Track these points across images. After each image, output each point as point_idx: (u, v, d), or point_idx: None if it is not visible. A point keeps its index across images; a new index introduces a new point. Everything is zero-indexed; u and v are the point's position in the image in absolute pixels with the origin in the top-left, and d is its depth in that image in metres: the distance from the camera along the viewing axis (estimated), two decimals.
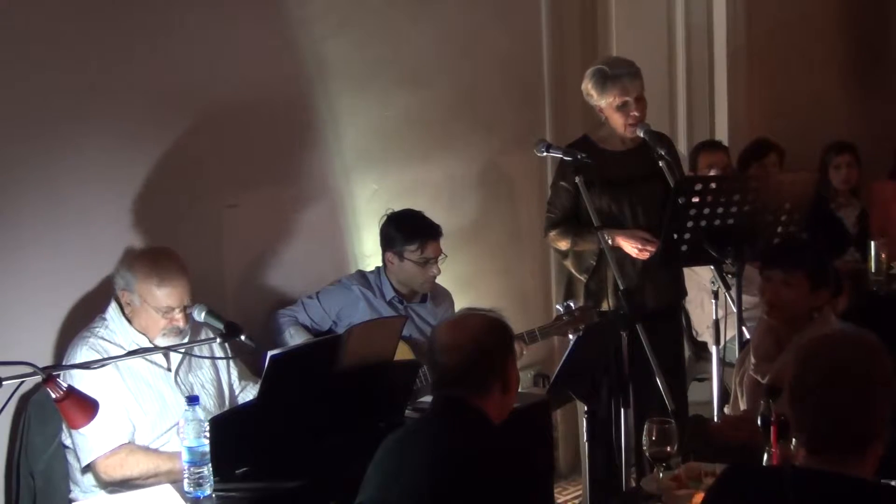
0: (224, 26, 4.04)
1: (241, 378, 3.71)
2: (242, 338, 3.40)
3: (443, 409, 2.67)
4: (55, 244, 3.62)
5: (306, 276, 4.30)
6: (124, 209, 3.80)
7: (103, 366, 3.22)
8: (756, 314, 3.95)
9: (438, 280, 4.20)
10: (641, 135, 4.26)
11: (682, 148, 5.65)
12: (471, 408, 2.61)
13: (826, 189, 5.76)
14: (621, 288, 3.87)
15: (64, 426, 3.39)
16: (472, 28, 4.85)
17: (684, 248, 3.86)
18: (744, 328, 3.89)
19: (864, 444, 2.13)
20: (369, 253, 4.48)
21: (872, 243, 5.35)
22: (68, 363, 3.36)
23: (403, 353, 3.80)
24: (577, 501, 4.89)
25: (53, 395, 2.83)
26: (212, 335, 3.52)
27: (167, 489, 3.07)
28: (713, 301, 4.11)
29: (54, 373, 2.88)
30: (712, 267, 4.06)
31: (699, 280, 4.79)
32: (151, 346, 3.43)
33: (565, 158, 4.05)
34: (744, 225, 3.83)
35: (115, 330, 3.46)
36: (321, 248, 4.42)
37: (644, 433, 2.93)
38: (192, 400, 3.06)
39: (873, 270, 5.30)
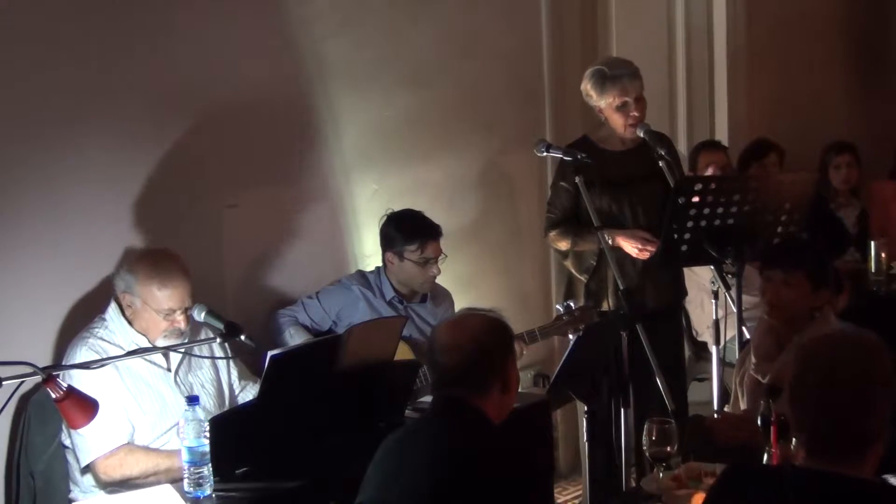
0: (224, 26, 4.04)
1: (241, 378, 3.71)
2: (242, 338, 3.40)
3: (443, 409, 2.67)
4: (55, 244, 3.62)
5: (306, 276, 4.30)
6: (124, 209, 3.80)
7: (103, 366, 3.22)
8: (756, 314, 3.95)
9: (438, 280, 4.20)
10: (641, 135, 4.26)
11: (682, 148, 5.65)
12: (471, 408, 2.61)
13: (826, 189, 5.76)
14: (621, 288, 3.87)
15: (64, 426, 3.39)
16: (472, 28, 4.85)
17: (684, 248, 3.86)
18: (744, 328, 3.89)
19: (864, 444, 2.13)
20: (369, 253, 4.48)
21: (872, 243, 5.35)
22: (68, 363, 3.36)
23: (403, 353, 3.80)
24: (577, 501, 4.89)
25: (53, 395, 2.83)
26: (212, 335, 3.52)
27: (167, 489, 3.07)
28: (713, 301, 4.11)
29: (54, 373, 2.88)
30: (712, 267, 4.06)
31: (699, 280, 4.79)
32: (151, 345, 3.43)
33: (565, 158, 4.05)
34: (744, 225, 3.83)
35: (114, 330, 3.46)
36: (321, 248, 4.42)
37: (644, 433, 2.93)
38: (192, 400, 3.06)
39: (873, 270, 5.30)
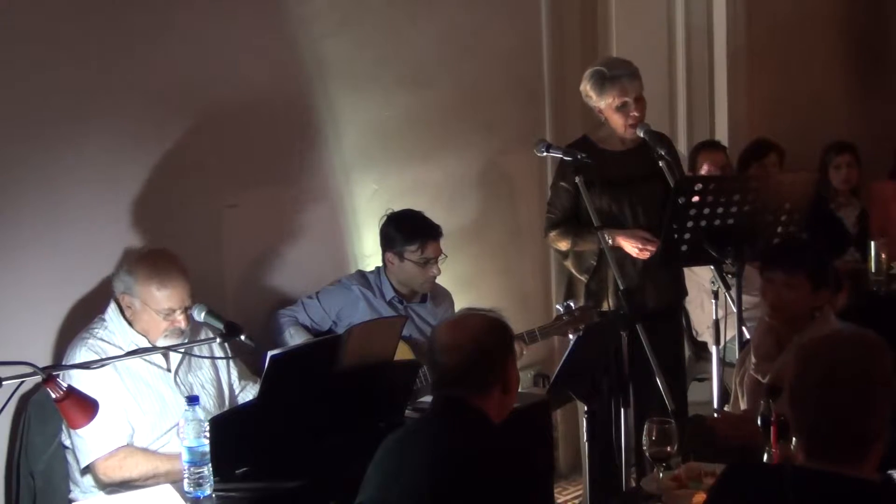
0: (224, 26, 4.04)
1: (240, 378, 3.71)
2: (242, 338, 3.40)
3: (443, 409, 2.67)
4: (55, 244, 3.62)
5: (306, 276, 4.30)
6: (124, 209, 3.80)
7: (103, 366, 3.22)
8: (756, 314, 3.95)
9: (438, 280, 4.20)
10: (641, 135, 4.26)
11: (682, 148, 5.65)
12: (471, 408, 2.61)
13: (826, 189, 5.76)
14: (621, 288, 3.87)
15: (64, 426, 3.39)
16: (472, 28, 4.85)
17: (684, 248, 3.85)
18: (744, 328, 3.89)
19: (864, 444, 2.12)
20: (369, 253, 4.48)
21: (872, 243, 5.35)
22: (67, 364, 3.36)
23: (403, 353, 3.80)
24: (577, 501, 4.89)
25: (53, 395, 2.83)
26: (212, 335, 3.51)
27: (167, 489, 3.07)
28: (713, 301, 4.11)
29: (54, 373, 2.88)
30: (712, 267, 4.06)
31: (699, 280, 4.79)
32: (151, 346, 3.43)
33: (565, 158, 4.05)
34: (744, 225, 3.83)
35: (114, 331, 3.46)
36: (321, 248, 4.42)
37: (644, 433, 2.93)
38: (192, 400, 3.06)
39: (873, 270, 5.30)
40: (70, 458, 3.45)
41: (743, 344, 3.85)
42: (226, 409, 3.57)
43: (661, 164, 4.21)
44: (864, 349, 2.17)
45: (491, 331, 2.69)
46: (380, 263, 4.23)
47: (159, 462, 3.35)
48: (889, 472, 2.22)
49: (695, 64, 6.02)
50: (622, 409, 3.40)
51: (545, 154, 4.15)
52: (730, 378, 3.94)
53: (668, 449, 2.90)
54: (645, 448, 2.94)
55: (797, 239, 3.93)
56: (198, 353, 3.58)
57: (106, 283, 3.59)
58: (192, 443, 3.01)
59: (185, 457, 3.02)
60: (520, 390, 2.99)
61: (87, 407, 2.89)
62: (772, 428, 2.78)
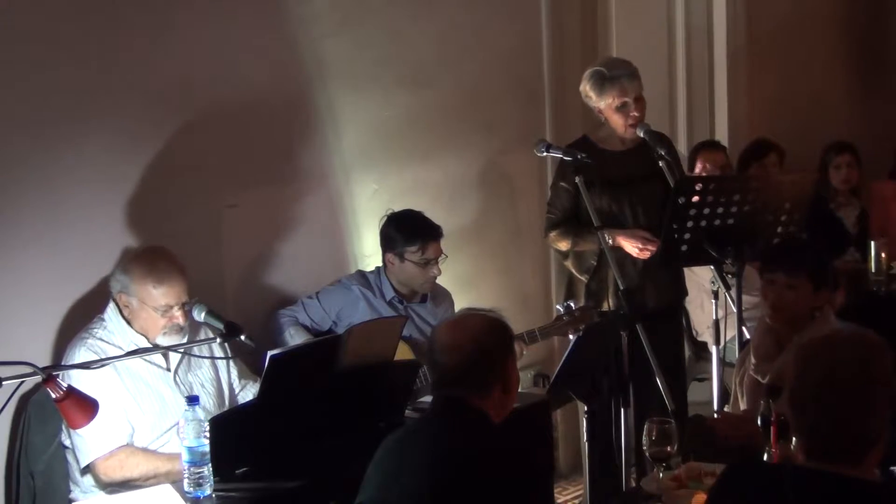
0: (224, 26, 4.04)
1: (240, 377, 3.71)
2: (242, 338, 3.40)
3: (443, 409, 2.67)
4: (55, 243, 3.62)
5: (306, 277, 4.30)
6: (124, 209, 3.80)
7: (103, 366, 3.22)
8: (756, 314, 3.95)
9: (438, 280, 4.20)
10: (641, 135, 4.26)
11: (682, 148, 5.65)
12: (471, 408, 2.61)
13: (826, 189, 5.76)
14: (621, 288, 3.87)
15: (64, 426, 3.39)
16: (472, 28, 4.85)
17: (684, 248, 3.85)
18: (744, 328, 3.89)
19: (864, 444, 2.12)
20: (369, 253, 4.48)
21: (872, 243, 5.34)
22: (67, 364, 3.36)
23: (403, 353, 3.80)
24: (577, 501, 4.89)
25: (53, 395, 2.83)
26: (211, 335, 3.52)
27: (167, 489, 3.07)
28: (713, 301, 4.11)
29: (54, 373, 2.88)
30: (712, 267, 4.06)
31: (699, 280, 4.79)
32: (150, 346, 3.43)
33: (565, 158, 4.05)
34: (744, 225, 3.83)
35: (113, 331, 3.46)
36: (321, 248, 4.42)
37: (644, 433, 2.93)
38: (193, 400, 3.06)
39: (873, 270, 5.30)
40: (70, 458, 3.45)
41: (743, 344, 3.85)
42: (225, 408, 3.57)
43: (661, 164, 4.21)
44: (864, 349, 2.17)
45: (491, 331, 2.69)
46: (380, 263, 4.23)
47: (160, 462, 3.35)
48: (892, 468, 2.22)
49: (695, 64, 6.02)
50: (622, 409, 3.40)
51: (545, 154, 4.15)
52: (730, 378, 3.94)
53: (668, 449, 2.90)
54: (645, 448, 2.94)
55: (797, 239, 3.93)
56: (198, 353, 3.58)
57: (106, 283, 3.59)
58: (192, 443, 3.01)
59: (185, 457, 3.02)
60: (520, 390, 2.99)
61: (87, 407, 2.89)
62: (772, 428, 2.77)
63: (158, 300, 3.41)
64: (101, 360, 3.22)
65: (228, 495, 3.06)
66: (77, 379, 3.20)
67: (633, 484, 3.43)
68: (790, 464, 2.24)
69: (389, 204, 4.37)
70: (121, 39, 3.76)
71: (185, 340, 3.51)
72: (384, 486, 2.59)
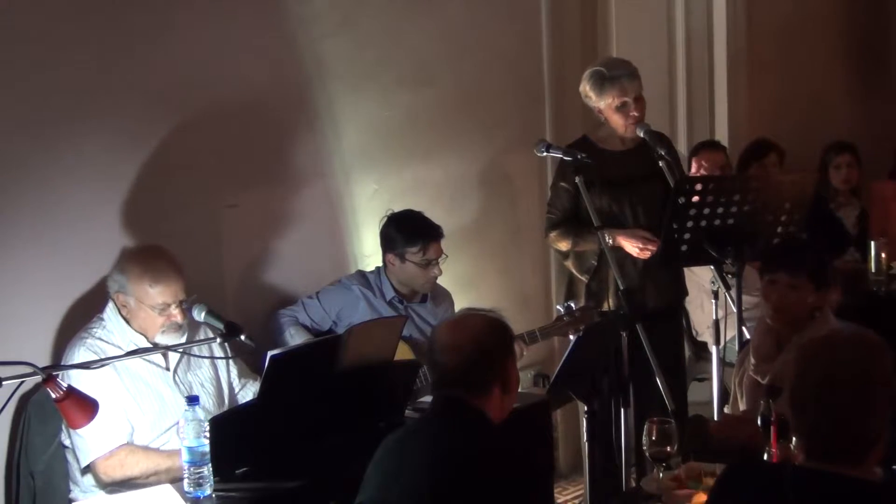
0: (224, 26, 4.04)
1: (240, 376, 3.71)
2: (242, 338, 3.40)
3: (443, 409, 2.67)
4: (54, 243, 3.62)
5: (306, 276, 4.30)
6: (124, 209, 3.80)
7: (103, 366, 3.22)
8: (756, 314, 3.95)
9: (439, 280, 4.20)
10: (641, 135, 4.26)
11: (682, 148, 5.65)
12: (471, 408, 2.61)
13: (826, 189, 5.76)
14: (621, 288, 3.87)
15: (64, 426, 3.39)
16: (472, 28, 4.85)
17: (684, 248, 3.86)
18: (744, 328, 3.89)
19: (864, 444, 2.12)
20: (369, 253, 4.48)
21: (872, 243, 5.35)
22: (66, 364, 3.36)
23: (403, 353, 3.80)
24: (577, 501, 4.89)
25: (53, 395, 2.83)
26: (211, 335, 3.52)
27: (167, 489, 3.07)
28: (713, 301, 4.11)
29: (54, 373, 2.88)
30: (712, 267, 4.06)
31: (699, 280, 4.79)
32: (150, 345, 3.43)
33: (565, 158, 4.05)
34: (744, 225, 3.83)
35: (112, 330, 3.46)
36: (321, 248, 4.42)
37: (644, 433, 2.93)
38: (192, 400, 3.06)
39: (873, 270, 5.30)
40: (70, 457, 3.45)
41: (742, 344, 3.85)
42: (225, 408, 3.58)
43: (661, 164, 4.21)
44: (864, 349, 2.17)
45: (491, 331, 2.69)
46: (380, 263, 4.23)
47: (160, 459, 3.35)
48: (895, 467, 2.22)
49: (695, 64, 6.02)
50: (622, 409, 3.40)
51: (545, 154, 4.15)
52: (730, 378, 3.94)
53: (668, 449, 2.90)
54: (645, 448, 2.94)
55: (798, 239, 3.93)
56: (197, 353, 3.58)
57: (105, 283, 3.59)
58: (192, 443, 3.01)
59: (185, 457, 3.02)
60: (520, 390, 2.99)
61: (86, 407, 2.89)
62: (772, 428, 2.77)
63: (155, 299, 3.41)
64: (101, 360, 3.22)
65: (228, 495, 3.06)
66: (77, 379, 3.20)
67: (633, 484, 3.43)
68: (790, 464, 2.24)
69: (389, 204, 4.37)
70: (120, 39, 3.76)
71: (184, 339, 3.51)
72: (384, 486, 2.59)
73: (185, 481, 3.02)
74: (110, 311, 3.48)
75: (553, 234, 4.41)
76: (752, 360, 3.54)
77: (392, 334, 3.50)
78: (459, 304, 4.36)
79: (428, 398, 3.37)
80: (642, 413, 3.32)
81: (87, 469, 3.37)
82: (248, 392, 3.69)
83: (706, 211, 3.79)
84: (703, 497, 2.72)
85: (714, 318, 4.10)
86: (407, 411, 3.55)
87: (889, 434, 2.14)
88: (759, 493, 2.18)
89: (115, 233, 3.76)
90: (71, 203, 3.66)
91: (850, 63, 6.92)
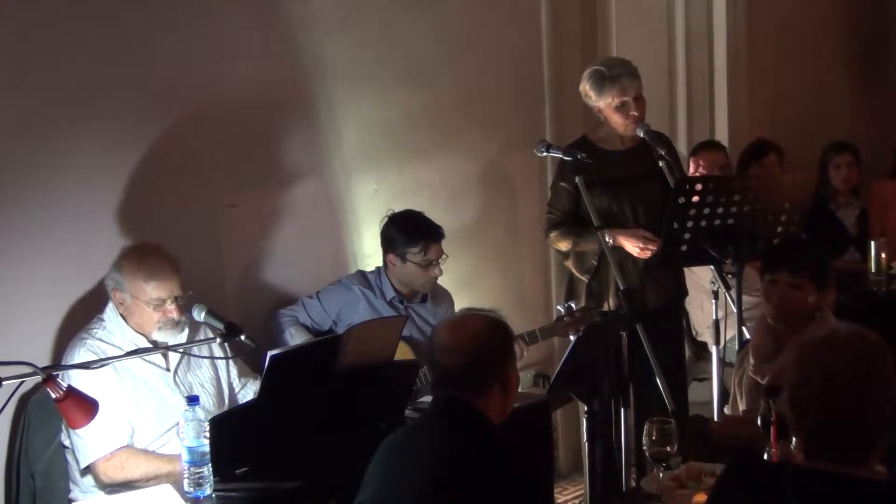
0: (224, 25, 4.04)
1: (241, 376, 3.71)
2: (242, 338, 3.40)
3: (443, 409, 2.67)
4: (54, 243, 3.62)
5: (306, 276, 4.30)
6: (123, 209, 3.80)
7: (103, 366, 3.22)
8: (756, 314, 3.95)
9: (439, 280, 4.20)
10: (641, 135, 4.26)
11: (682, 148, 5.66)
12: (471, 408, 2.61)
13: (826, 189, 5.76)
14: (622, 288, 3.87)
15: (64, 426, 3.39)
16: (472, 28, 4.85)
17: (684, 248, 3.86)
18: (744, 328, 3.89)
19: (864, 445, 2.12)
20: (369, 253, 4.48)
21: (872, 243, 5.34)
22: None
23: (403, 353, 3.80)
24: (577, 501, 4.89)
25: (53, 395, 2.83)
26: (212, 335, 3.52)
27: (167, 489, 3.07)
28: (713, 301, 4.11)
29: (54, 373, 2.88)
30: (712, 267, 4.06)
31: (699, 280, 4.79)
32: (150, 346, 3.44)
33: (565, 158, 4.06)
34: (744, 225, 3.83)
35: (112, 331, 3.46)
36: (321, 247, 4.42)
37: (644, 433, 2.93)
38: (193, 400, 3.06)
39: (873, 270, 5.30)
40: (70, 457, 3.45)
41: (742, 344, 3.85)
42: (225, 408, 3.58)
43: (661, 164, 4.21)
44: (864, 349, 2.17)
45: (491, 331, 2.69)
46: (380, 263, 4.23)
47: (161, 463, 3.35)
48: None
49: (695, 64, 6.02)
50: (622, 409, 3.40)
51: (545, 154, 4.15)
52: (730, 378, 3.94)
53: (668, 449, 2.90)
54: (645, 448, 2.94)
55: (798, 239, 3.93)
56: (197, 353, 3.58)
57: (104, 283, 3.59)
58: (192, 443, 3.01)
59: (185, 457, 3.02)
60: (520, 390, 2.99)
61: (87, 407, 2.89)
62: (772, 428, 2.77)
63: (150, 294, 3.41)
64: (101, 360, 3.22)
65: (228, 495, 3.06)
66: (77, 379, 3.20)
67: (633, 484, 3.43)
68: (790, 464, 2.24)
69: (389, 204, 4.37)
70: (120, 40, 3.76)
71: (182, 337, 3.51)
72: (384, 485, 2.60)
73: (185, 481, 3.02)
74: (110, 312, 3.48)
75: (553, 235, 4.41)
76: (752, 360, 3.53)
77: (392, 334, 3.50)
78: (459, 304, 4.36)
79: (428, 398, 3.37)
80: (642, 413, 3.32)
81: (87, 469, 3.37)
82: (248, 391, 3.69)
83: (706, 211, 3.79)
84: (703, 497, 2.72)
85: (714, 318, 4.10)
86: (407, 411, 3.55)
87: (889, 434, 2.14)
88: (759, 493, 2.18)
89: (114, 233, 3.76)
90: (71, 203, 3.66)
91: (850, 63, 6.92)
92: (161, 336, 3.45)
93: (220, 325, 3.41)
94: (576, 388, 3.54)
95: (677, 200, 3.79)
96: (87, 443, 3.31)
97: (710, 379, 4.28)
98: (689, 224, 3.80)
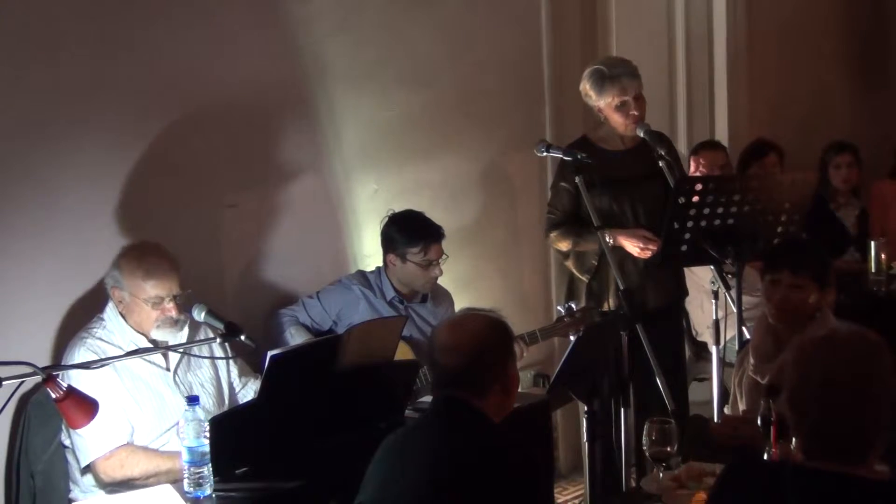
0: (223, 25, 4.04)
1: (241, 375, 3.71)
2: (242, 338, 3.40)
3: (443, 409, 2.67)
4: (54, 243, 3.62)
5: (306, 276, 4.30)
6: (123, 208, 3.80)
7: (103, 366, 3.22)
8: (756, 314, 3.95)
9: (439, 280, 4.20)
10: (641, 134, 4.26)
11: (682, 148, 5.65)
12: (471, 408, 2.61)
13: (826, 189, 5.76)
14: (622, 288, 3.87)
15: (64, 426, 3.39)
16: (472, 28, 4.85)
17: (684, 248, 3.86)
18: (744, 328, 3.89)
19: (864, 444, 2.12)
20: (369, 253, 4.48)
21: (872, 243, 5.34)
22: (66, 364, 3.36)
23: (403, 353, 3.80)
24: (577, 501, 4.89)
25: (53, 395, 2.83)
26: (212, 335, 3.52)
27: (167, 489, 3.07)
28: (713, 301, 4.11)
29: (54, 373, 2.88)
30: (712, 267, 4.06)
31: (699, 280, 4.78)
32: (150, 346, 3.44)
33: (565, 158, 4.06)
34: (744, 225, 3.83)
35: (112, 330, 3.46)
36: (321, 247, 4.42)
37: (644, 433, 2.93)
38: (193, 400, 3.06)
39: (873, 270, 5.30)
40: (70, 457, 3.45)
41: (742, 344, 3.84)
42: (225, 408, 3.58)
43: (661, 163, 4.21)
44: (864, 349, 2.17)
45: (491, 331, 2.69)
46: (380, 263, 4.23)
47: (160, 460, 3.35)
48: None
49: (695, 64, 6.02)
50: (622, 409, 3.40)
51: (545, 154, 4.15)
52: (730, 378, 3.94)
53: (668, 449, 2.91)
54: (645, 448, 2.94)
55: (799, 239, 3.93)
56: (197, 353, 3.58)
57: (104, 282, 3.59)
58: (192, 443, 3.01)
59: (185, 457, 3.02)
60: (520, 390, 2.99)
61: (87, 407, 2.89)
62: (772, 428, 2.77)
63: (149, 292, 3.41)
64: (101, 360, 3.23)
65: (228, 495, 3.06)
66: (77, 379, 3.20)
67: (633, 484, 3.43)
68: (790, 464, 2.24)
69: (389, 204, 4.37)
70: (120, 38, 3.76)
71: (182, 337, 3.51)
72: (384, 485, 2.60)
73: (185, 481, 3.02)
74: (110, 311, 3.48)
75: (554, 235, 4.41)
76: (752, 360, 3.53)
77: (392, 334, 3.50)
78: (459, 304, 4.36)
79: (428, 398, 3.37)
80: (642, 413, 3.32)
81: (87, 469, 3.37)
82: (248, 391, 3.69)
83: (706, 211, 3.79)
84: (703, 497, 2.72)
85: (714, 318, 4.10)
86: (407, 411, 3.55)
87: (889, 434, 2.14)
88: (759, 493, 2.18)
89: (114, 232, 3.76)
90: (71, 203, 3.66)
91: (850, 63, 6.92)
92: (160, 334, 3.45)
93: (220, 325, 3.41)
94: (576, 388, 3.53)
95: (677, 200, 3.79)
96: (88, 442, 3.32)
97: (710, 379, 4.27)
98: (690, 224, 3.80)
